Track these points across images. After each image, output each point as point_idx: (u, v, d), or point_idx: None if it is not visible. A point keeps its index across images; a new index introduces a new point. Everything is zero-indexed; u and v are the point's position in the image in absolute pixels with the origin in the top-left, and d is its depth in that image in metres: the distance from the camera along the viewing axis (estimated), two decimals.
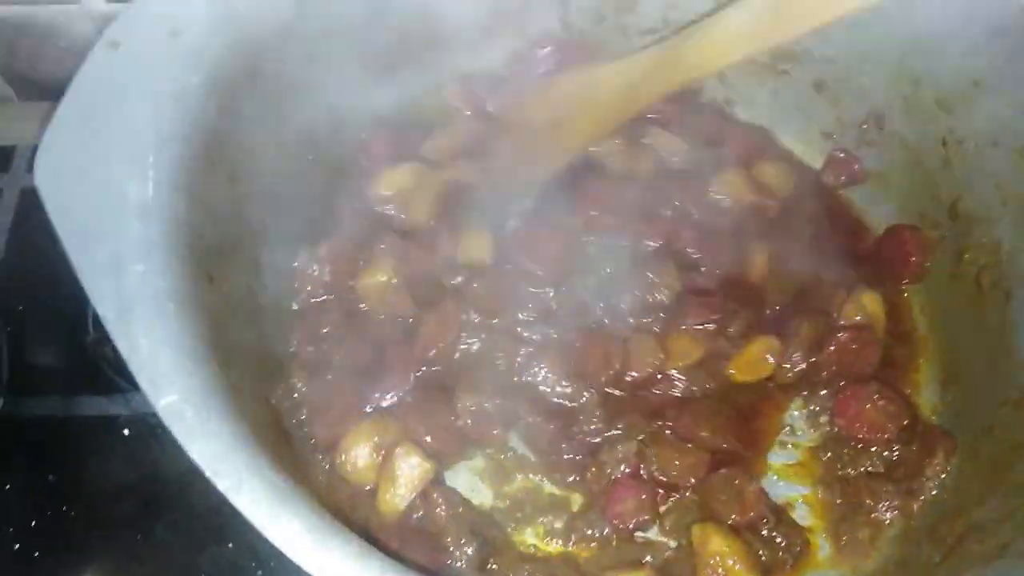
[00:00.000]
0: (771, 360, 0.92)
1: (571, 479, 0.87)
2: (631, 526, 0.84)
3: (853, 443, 0.89)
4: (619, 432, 0.88)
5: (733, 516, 0.84)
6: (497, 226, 0.98)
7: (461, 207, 0.99)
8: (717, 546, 0.80)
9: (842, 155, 1.07)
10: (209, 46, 0.76)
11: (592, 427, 0.88)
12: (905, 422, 0.88)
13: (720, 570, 0.80)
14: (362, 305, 0.93)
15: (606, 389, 0.90)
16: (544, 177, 1.00)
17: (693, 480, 0.86)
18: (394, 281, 0.92)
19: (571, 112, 0.98)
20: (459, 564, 0.80)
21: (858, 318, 0.94)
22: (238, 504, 0.56)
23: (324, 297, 0.94)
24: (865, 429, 0.88)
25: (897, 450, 0.88)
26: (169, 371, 0.60)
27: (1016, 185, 0.88)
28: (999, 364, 0.87)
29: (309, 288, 0.94)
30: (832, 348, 0.92)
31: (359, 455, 0.82)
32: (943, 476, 0.85)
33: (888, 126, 1.02)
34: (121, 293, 0.62)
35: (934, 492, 0.85)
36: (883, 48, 0.97)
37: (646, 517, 0.84)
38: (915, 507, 0.85)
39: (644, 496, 0.84)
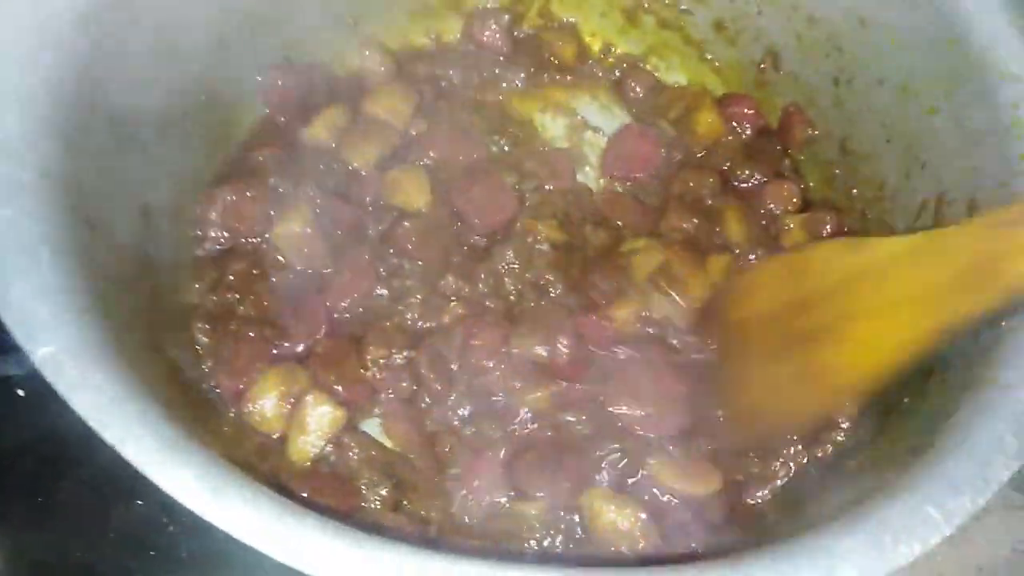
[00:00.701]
0: None
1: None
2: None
3: None
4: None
5: None
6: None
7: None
8: None
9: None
10: None
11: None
12: None
13: None
14: (277, 256, 0.91)
15: None
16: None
17: None
18: (309, 231, 0.90)
19: (829, 316, 0.66)
20: (373, 505, 0.81)
21: None
22: (126, 455, 0.55)
23: (228, 246, 0.91)
24: None
25: None
26: (46, 322, 0.57)
27: (899, 122, 0.91)
28: None
29: (212, 234, 0.91)
30: None
31: (267, 404, 0.81)
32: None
33: (783, 66, 1.04)
34: None
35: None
36: None
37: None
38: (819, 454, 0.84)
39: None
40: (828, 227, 0.97)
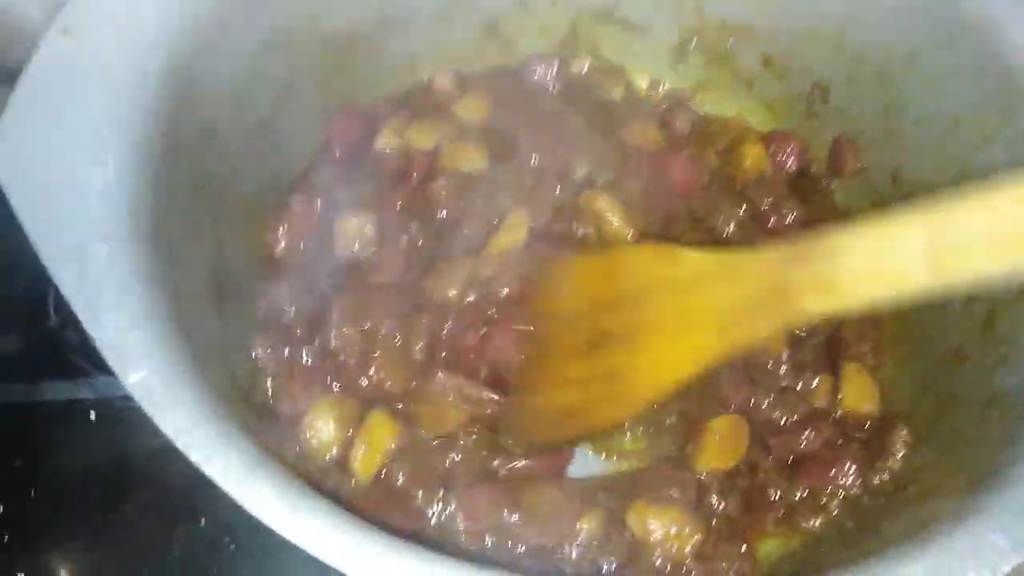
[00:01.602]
0: None
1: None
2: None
3: None
4: None
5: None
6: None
7: None
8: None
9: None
10: (163, 33, 0.76)
11: None
12: None
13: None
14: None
15: None
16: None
17: None
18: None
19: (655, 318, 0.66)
20: (436, 520, 0.82)
21: None
22: (210, 473, 0.57)
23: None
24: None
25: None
26: (137, 348, 0.61)
27: (952, 153, 0.92)
28: (936, 321, 0.91)
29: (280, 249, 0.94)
30: None
31: (323, 429, 0.83)
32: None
33: (833, 99, 1.06)
34: (86, 277, 0.63)
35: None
36: (825, 24, 1.00)
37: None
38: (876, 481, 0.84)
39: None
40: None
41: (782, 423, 0.89)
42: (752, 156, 1.06)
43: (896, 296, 0.56)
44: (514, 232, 0.92)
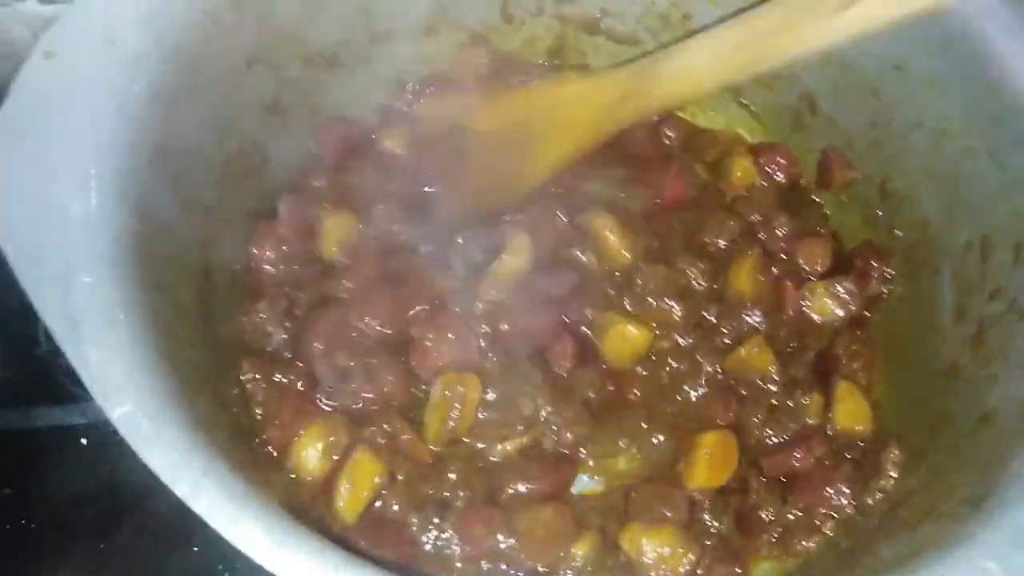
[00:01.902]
0: None
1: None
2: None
3: None
4: None
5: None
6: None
7: None
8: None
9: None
10: (146, 54, 0.75)
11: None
12: None
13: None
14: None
15: None
16: (508, 198, 0.96)
17: None
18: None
19: (542, 127, 0.96)
20: (430, 547, 0.81)
21: None
22: (197, 509, 0.57)
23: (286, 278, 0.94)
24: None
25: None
26: (121, 382, 0.60)
27: (938, 164, 0.92)
28: (928, 337, 0.91)
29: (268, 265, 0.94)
30: None
31: (310, 457, 0.83)
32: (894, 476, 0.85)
33: (821, 111, 1.05)
34: (69, 306, 0.63)
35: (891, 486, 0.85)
36: None
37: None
38: (870, 502, 0.84)
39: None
40: (852, 302, 0.96)
41: (773, 442, 0.89)
42: (741, 168, 1.06)
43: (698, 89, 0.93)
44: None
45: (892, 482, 0.82)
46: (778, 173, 1.07)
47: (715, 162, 1.09)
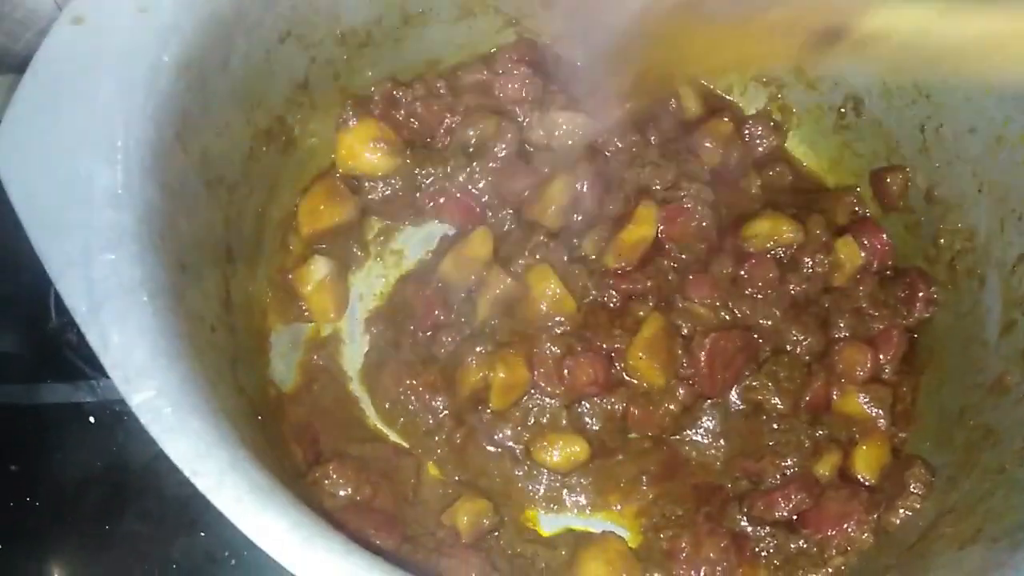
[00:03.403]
0: None
1: None
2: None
3: None
4: None
5: None
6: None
7: None
8: None
9: None
10: (179, 23, 0.72)
11: None
12: None
13: None
14: None
15: None
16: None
17: None
18: None
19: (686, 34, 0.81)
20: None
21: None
22: (219, 504, 0.54)
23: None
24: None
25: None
26: (144, 366, 0.57)
27: (993, 171, 0.89)
28: (971, 349, 0.88)
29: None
30: None
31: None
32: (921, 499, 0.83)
33: (866, 112, 1.02)
34: (91, 285, 0.60)
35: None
36: None
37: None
38: (896, 522, 0.83)
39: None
40: (883, 415, 0.89)
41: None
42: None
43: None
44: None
45: (919, 501, 0.79)
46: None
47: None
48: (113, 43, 0.69)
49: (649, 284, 0.92)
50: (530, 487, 0.89)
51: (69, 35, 0.68)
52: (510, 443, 0.88)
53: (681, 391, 0.88)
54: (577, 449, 0.86)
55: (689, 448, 0.90)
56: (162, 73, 0.70)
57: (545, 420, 0.88)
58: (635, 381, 0.89)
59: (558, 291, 0.88)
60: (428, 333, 0.92)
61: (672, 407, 0.88)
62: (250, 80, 0.83)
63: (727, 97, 1.11)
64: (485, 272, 0.90)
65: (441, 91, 1.02)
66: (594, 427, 0.89)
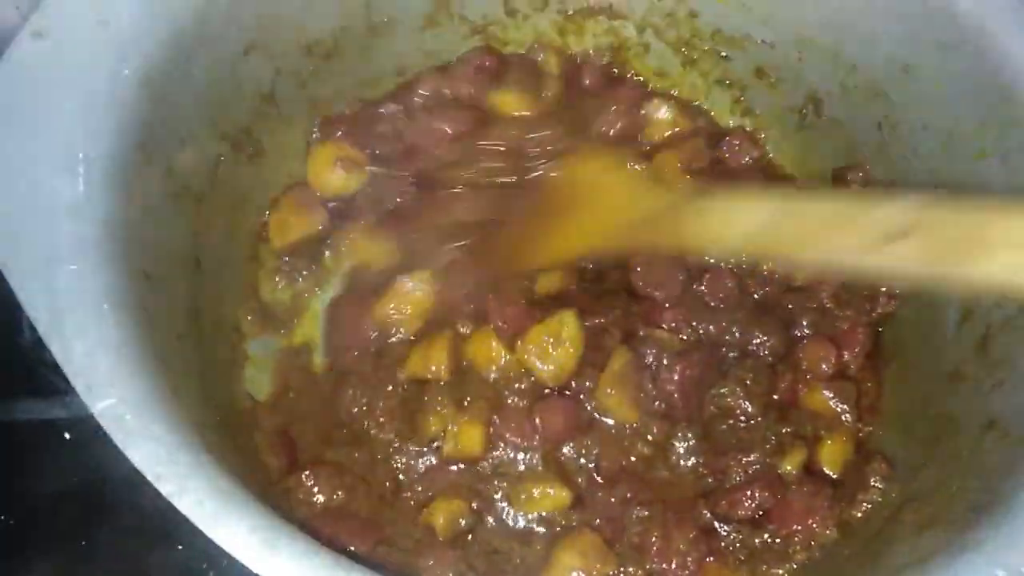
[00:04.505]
0: None
1: None
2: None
3: None
4: None
5: None
6: None
7: None
8: None
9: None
10: (140, 36, 0.73)
11: None
12: None
13: None
14: None
15: None
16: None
17: None
18: None
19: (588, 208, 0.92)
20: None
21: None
22: (182, 507, 0.55)
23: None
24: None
25: None
26: (106, 374, 0.58)
27: (946, 168, 0.90)
28: (932, 340, 0.90)
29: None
30: None
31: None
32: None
33: (826, 112, 1.04)
34: (53, 295, 0.61)
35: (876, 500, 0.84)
36: (820, 35, 0.99)
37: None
38: (857, 515, 0.84)
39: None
40: (848, 411, 0.91)
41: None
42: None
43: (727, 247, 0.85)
44: None
45: (879, 494, 0.80)
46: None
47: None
48: (74, 56, 0.69)
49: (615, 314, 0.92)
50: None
51: (30, 49, 0.69)
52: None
53: (655, 429, 0.87)
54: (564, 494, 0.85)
55: (661, 467, 0.89)
56: (123, 85, 0.71)
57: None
58: (607, 420, 0.88)
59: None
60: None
61: (645, 450, 0.87)
62: (214, 91, 0.84)
63: (695, 103, 1.13)
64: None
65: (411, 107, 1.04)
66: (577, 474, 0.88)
